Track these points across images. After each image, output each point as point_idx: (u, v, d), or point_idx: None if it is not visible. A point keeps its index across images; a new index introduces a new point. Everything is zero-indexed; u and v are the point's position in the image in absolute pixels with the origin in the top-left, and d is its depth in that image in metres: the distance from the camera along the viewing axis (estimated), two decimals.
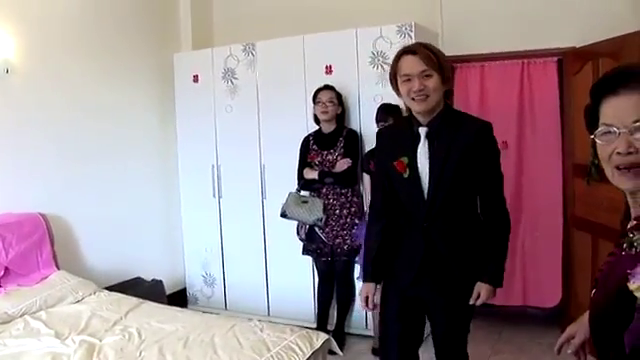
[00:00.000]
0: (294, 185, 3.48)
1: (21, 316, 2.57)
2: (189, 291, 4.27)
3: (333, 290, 3.54)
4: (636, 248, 0.97)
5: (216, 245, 4.09)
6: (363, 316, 3.57)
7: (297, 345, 2.24)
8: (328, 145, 3.43)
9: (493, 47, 3.63)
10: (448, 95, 1.99)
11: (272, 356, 2.15)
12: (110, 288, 3.17)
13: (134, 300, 2.84)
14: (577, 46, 3.34)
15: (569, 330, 1.31)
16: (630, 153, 0.96)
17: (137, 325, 2.49)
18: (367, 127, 3.45)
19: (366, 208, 3.37)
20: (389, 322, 2.05)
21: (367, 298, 2.04)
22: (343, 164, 3.34)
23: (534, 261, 3.63)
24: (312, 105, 3.45)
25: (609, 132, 0.99)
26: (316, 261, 3.56)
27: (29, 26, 3.18)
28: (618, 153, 0.98)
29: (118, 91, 3.79)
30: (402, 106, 3.17)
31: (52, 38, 3.33)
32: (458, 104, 3.47)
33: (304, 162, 3.47)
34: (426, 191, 1.90)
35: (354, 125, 3.53)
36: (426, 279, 1.94)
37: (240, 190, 3.94)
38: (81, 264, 3.44)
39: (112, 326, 2.49)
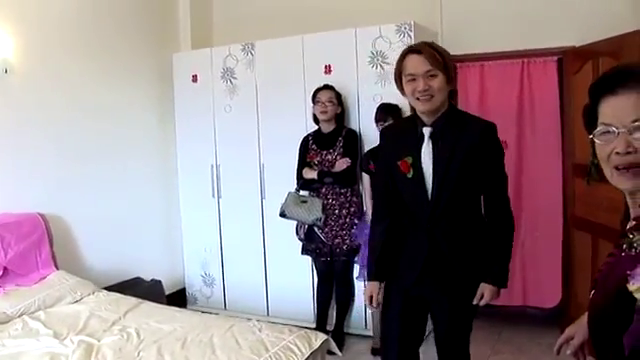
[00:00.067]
0: (293, 185, 3.47)
1: (19, 316, 2.57)
2: (188, 291, 4.26)
3: (332, 290, 3.54)
4: (636, 249, 0.96)
5: (215, 245, 4.09)
6: (362, 316, 3.57)
7: (296, 345, 2.23)
8: (327, 145, 3.43)
9: (493, 46, 3.63)
10: (452, 95, 1.98)
11: (270, 356, 2.14)
12: (109, 288, 3.16)
13: (133, 300, 2.84)
14: (577, 45, 3.33)
15: (568, 331, 1.30)
16: (629, 153, 0.96)
17: (136, 325, 2.48)
18: (366, 127, 3.44)
19: (365, 208, 3.38)
20: (391, 321, 2.05)
21: (371, 297, 2.04)
22: (342, 164, 3.34)
23: (534, 261, 3.62)
24: (311, 105, 3.45)
25: (608, 132, 0.99)
26: (315, 261, 3.55)
27: (28, 26, 3.17)
28: (617, 153, 0.97)
29: (117, 91, 3.78)
30: (401, 105, 3.18)
31: (51, 38, 3.32)
32: (458, 104, 3.46)
33: (303, 162, 3.47)
34: (430, 191, 1.90)
35: (353, 125, 3.53)
36: (429, 279, 1.94)
37: (239, 190, 3.94)
38: (80, 264, 3.44)
39: (110, 326, 2.49)
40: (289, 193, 3.45)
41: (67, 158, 3.42)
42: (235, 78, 3.90)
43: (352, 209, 3.39)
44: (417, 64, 1.85)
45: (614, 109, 0.98)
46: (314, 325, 3.45)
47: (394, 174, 1.97)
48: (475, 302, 1.94)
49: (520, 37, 3.54)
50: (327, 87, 3.40)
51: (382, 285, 2.06)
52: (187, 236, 4.24)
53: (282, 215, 3.44)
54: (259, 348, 2.20)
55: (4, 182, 3.07)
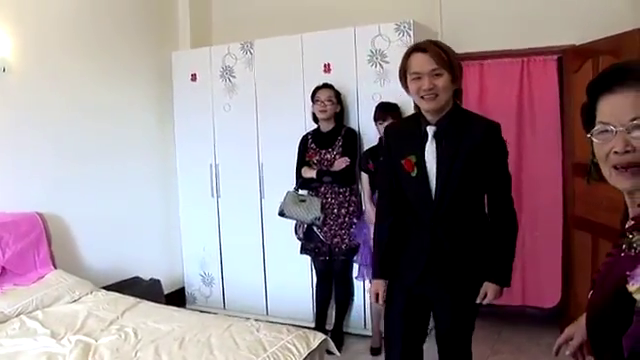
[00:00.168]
0: (292, 184, 3.46)
1: (17, 316, 2.56)
2: (187, 290, 4.26)
3: (331, 289, 3.53)
4: (635, 249, 0.95)
5: (214, 244, 4.08)
6: (362, 316, 3.56)
7: (294, 345, 2.23)
8: (326, 144, 3.42)
9: (492, 45, 3.62)
10: (457, 94, 1.97)
11: (268, 356, 2.14)
12: (108, 287, 3.16)
13: (131, 300, 2.83)
14: (577, 44, 3.32)
15: (567, 331, 1.29)
16: (627, 152, 0.94)
17: (133, 325, 2.47)
18: (366, 126, 3.43)
19: (364, 207, 3.37)
20: (394, 320, 2.06)
21: (377, 295, 2.04)
22: (341, 163, 3.33)
23: (533, 261, 3.61)
24: (310, 104, 3.43)
25: (606, 131, 0.97)
26: (314, 260, 3.55)
27: (26, 24, 3.16)
28: (615, 152, 0.96)
29: (116, 90, 3.77)
30: (400, 104, 3.17)
31: (49, 37, 3.31)
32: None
33: (302, 161, 3.46)
34: (433, 190, 1.90)
35: (352, 124, 3.52)
36: (432, 278, 1.95)
37: (238, 189, 3.93)
38: (79, 263, 3.43)
39: (108, 326, 2.48)
40: (288, 192, 3.44)
41: (65, 157, 3.41)
42: (234, 77, 3.89)
43: (351, 208, 3.38)
44: (422, 63, 1.84)
45: (612, 108, 0.97)
46: (313, 325, 3.45)
47: (398, 172, 1.97)
48: (478, 301, 1.94)
49: (520, 36, 3.53)
50: (326, 86, 3.39)
51: (387, 283, 2.06)
52: (186, 235, 4.23)
53: (281, 214, 3.43)
54: (257, 348, 2.19)
55: (2, 181, 3.05)
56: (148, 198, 4.06)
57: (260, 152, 3.83)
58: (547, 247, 3.57)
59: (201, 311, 3.06)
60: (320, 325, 3.45)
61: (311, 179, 3.38)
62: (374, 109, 3.23)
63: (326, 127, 3.43)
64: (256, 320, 2.57)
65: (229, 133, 3.94)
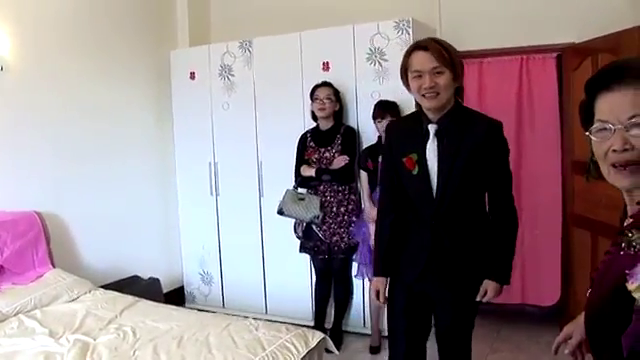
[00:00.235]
0: (291, 182, 3.46)
1: (15, 315, 2.55)
2: (186, 289, 4.25)
3: (330, 288, 3.52)
4: (634, 247, 0.94)
5: (213, 243, 4.07)
6: (361, 314, 3.56)
7: (292, 344, 2.22)
8: (325, 142, 3.41)
9: (492, 43, 3.61)
10: (459, 92, 1.96)
11: (267, 355, 2.13)
12: (107, 286, 3.16)
13: (129, 298, 2.82)
14: (576, 42, 3.32)
15: (566, 330, 1.29)
16: (626, 150, 0.94)
17: (132, 324, 2.47)
18: (365, 124, 3.43)
19: (363, 205, 3.36)
20: (396, 317, 2.06)
21: (378, 292, 2.05)
22: (340, 161, 3.32)
23: (533, 259, 3.61)
24: (309, 102, 3.43)
25: (604, 129, 0.97)
26: (313, 259, 3.54)
27: (24, 24, 3.15)
28: (614, 150, 0.95)
29: (114, 89, 3.76)
30: (399, 102, 3.16)
31: (47, 36, 3.30)
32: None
33: (301, 159, 3.45)
34: (435, 188, 1.89)
35: (351, 122, 3.51)
36: (432, 275, 1.95)
37: (237, 187, 3.92)
38: (78, 262, 3.42)
39: (107, 325, 2.48)
40: (287, 190, 3.44)
41: (64, 156, 3.41)
42: (233, 75, 3.88)
43: (350, 207, 3.38)
44: (423, 60, 1.83)
45: (611, 105, 0.96)
46: (312, 323, 3.44)
47: (399, 170, 1.97)
48: (478, 299, 1.95)
49: (519, 34, 3.53)
50: (325, 84, 3.38)
51: (388, 280, 2.07)
52: (185, 234, 4.22)
53: (280, 213, 3.42)
54: (255, 347, 2.19)
55: (0, 180, 3.05)
56: (147, 197, 4.05)
57: (259, 150, 3.82)
58: (546, 245, 3.56)
59: (200, 310, 3.06)
60: (319, 324, 3.45)
61: (310, 177, 3.38)
62: (373, 107, 3.23)
63: (325, 125, 3.43)
64: (255, 319, 2.57)
65: (228, 131, 3.93)
